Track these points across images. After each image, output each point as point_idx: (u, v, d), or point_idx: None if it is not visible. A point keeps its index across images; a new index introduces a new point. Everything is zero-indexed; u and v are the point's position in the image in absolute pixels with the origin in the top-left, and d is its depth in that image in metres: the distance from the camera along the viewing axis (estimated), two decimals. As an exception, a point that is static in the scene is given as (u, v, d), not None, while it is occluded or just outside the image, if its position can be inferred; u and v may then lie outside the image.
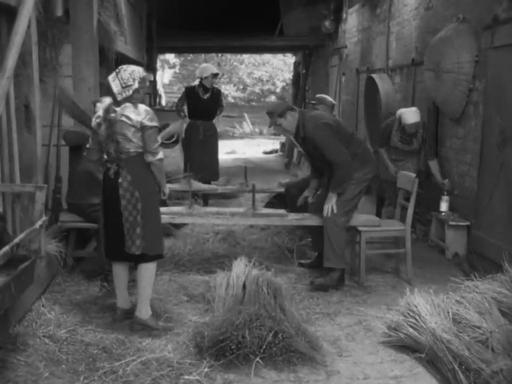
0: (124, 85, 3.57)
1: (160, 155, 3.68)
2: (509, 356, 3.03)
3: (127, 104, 3.59)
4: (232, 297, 3.77)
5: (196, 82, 7.29)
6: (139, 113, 3.58)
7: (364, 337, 3.77)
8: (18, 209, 4.09)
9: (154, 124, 3.62)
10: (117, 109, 3.59)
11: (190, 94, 7.24)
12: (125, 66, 3.66)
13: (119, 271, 3.88)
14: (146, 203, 3.64)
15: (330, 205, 4.51)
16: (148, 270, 3.75)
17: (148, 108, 3.67)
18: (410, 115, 5.82)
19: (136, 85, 3.58)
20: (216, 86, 7.47)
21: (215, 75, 7.20)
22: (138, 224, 3.63)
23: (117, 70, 3.64)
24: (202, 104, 7.19)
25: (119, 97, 3.59)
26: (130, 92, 3.58)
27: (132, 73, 3.60)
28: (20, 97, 4.16)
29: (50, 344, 3.47)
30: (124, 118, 3.57)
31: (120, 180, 3.62)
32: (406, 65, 7.43)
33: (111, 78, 3.63)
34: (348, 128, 4.95)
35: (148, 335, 3.66)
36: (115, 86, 3.58)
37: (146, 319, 3.75)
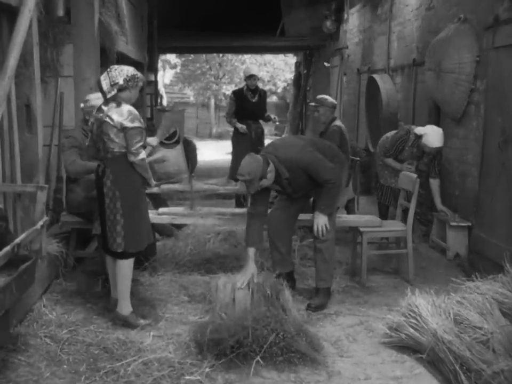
0: (112, 83, 3.63)
1: (142, 155, 3.73)
2: (510, 356, 3.02)
3: (113, 104, 3.65)
4: (238, 300, 3.73)
5: (243, 84, 7.26)
6: (121, 114, 3.63)
7: (365, 337, 3.76)
8: (20, 209, 4.10)
9: (136, 124, 3.66)
10: (104, 108, 3.67)
11: (238, 97, 7.20)
12: (116, 66, 3.72)
13: (110, 263, 3.94)
14: (126, 202, 3.70)
15: (323, 225, 4.20)
16: (124, 267, 3.79)
17: (131, 108, 3.68)
18: (435, 138, 5.47)
19: (121, 82, 3.62)
20: (261, 87, 7.39)
21: (249, 77, 7.16)
22: (118, 222, 3.70)
23: (108, 69, 3.70)
24: (252, 107, 7.19)
25: (108, 95, 3.65)
26: (115, 90, 3.63)
27: (121, 72, 3.65)
28: (21, 97, 4.17)
29: (52, 344, 3.48)
30: (107, 119, 3.64)
31: (104, 179, 3.71)
32: (407, 65, 7.43)
33: (102, 77, 3.69)
34: (324, 144, 4.51)
35: (149, 335, 3.66)
36: (105, 85, 3.64)
37: (126, 315, 3.79)
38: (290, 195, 4.38)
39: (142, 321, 3.81)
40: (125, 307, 3.81)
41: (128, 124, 3.62)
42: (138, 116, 3.72)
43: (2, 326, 3.17)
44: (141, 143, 3.72)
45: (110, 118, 3.63)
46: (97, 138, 3.74)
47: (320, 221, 4.20)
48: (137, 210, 3.81)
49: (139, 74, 3.76)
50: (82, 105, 4.65)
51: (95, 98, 4.58)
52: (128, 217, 3.72)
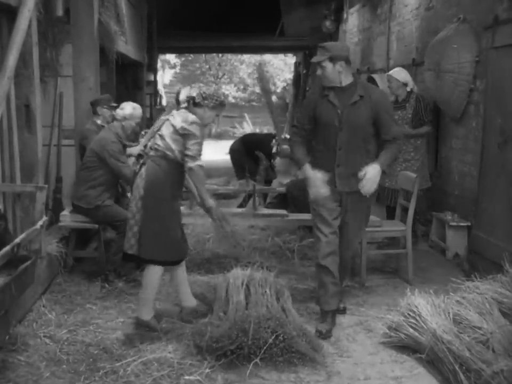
0: (188, 95, 3.71)
1: (200, 162, 3.66)
2: (510, 356, 3.02)
3: (184, 109, 3.73)
4: (237, 300, 3.73)
5: (274, 143, 7.15)
6: (187, 118, 3.64)
7: (364, 337, 3.76)
8: (19, 209, 4.10)
9: (197, 132, 3.63)
10: (174, 111, 3.75)
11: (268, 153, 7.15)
12: (201, 84, 3.93)
13: (173, 270, 3.91)
14: (148, 204, 3.61)
15: (375, 182, 3.56)
16: (147, 273, 3.74)
17: (197, 120, 3.66)
18: (396, 69, 5.96)
19: (193, 95, 3.69)
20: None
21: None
22: (137, 223, 3.64)
23: (193, 84, 3.84)
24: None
25: (182, 105, 3.76)
26: (189, 103, 3.71)
27: (201, 88, 3.74)
28: (20, 97, 4.17)
29: (51, 344, 3.47)
30: (171, 117, 3.71)
31: (137, 176, 3.70)
32: (406, 65, 7.41)
33: (184, 89, 3.83)
34: None
35: (148, 335, 3.65)
36: (182, 95, 3.77)
37: (148, 320, 3.75)
38: (334, 138, 3.71)
39: (163, 325, 3.77)
40: (145, 313, 3.76)
41: (188, 130, 3.60)
42: (200, 127, 3.67)
43: (2, 326, 3.17)
44: (200, 152, 3.68)
45: (173, 117, 3.69)
46: (151, 136, 3.78)
47: (376, 177, 3.54)
48: (160, 218, 3.65)
49: (220, 97, 3.77)
50: (118, 111, 4.70)
51: (131, 108, 4.67)
52: (148, 222, 3.62)
